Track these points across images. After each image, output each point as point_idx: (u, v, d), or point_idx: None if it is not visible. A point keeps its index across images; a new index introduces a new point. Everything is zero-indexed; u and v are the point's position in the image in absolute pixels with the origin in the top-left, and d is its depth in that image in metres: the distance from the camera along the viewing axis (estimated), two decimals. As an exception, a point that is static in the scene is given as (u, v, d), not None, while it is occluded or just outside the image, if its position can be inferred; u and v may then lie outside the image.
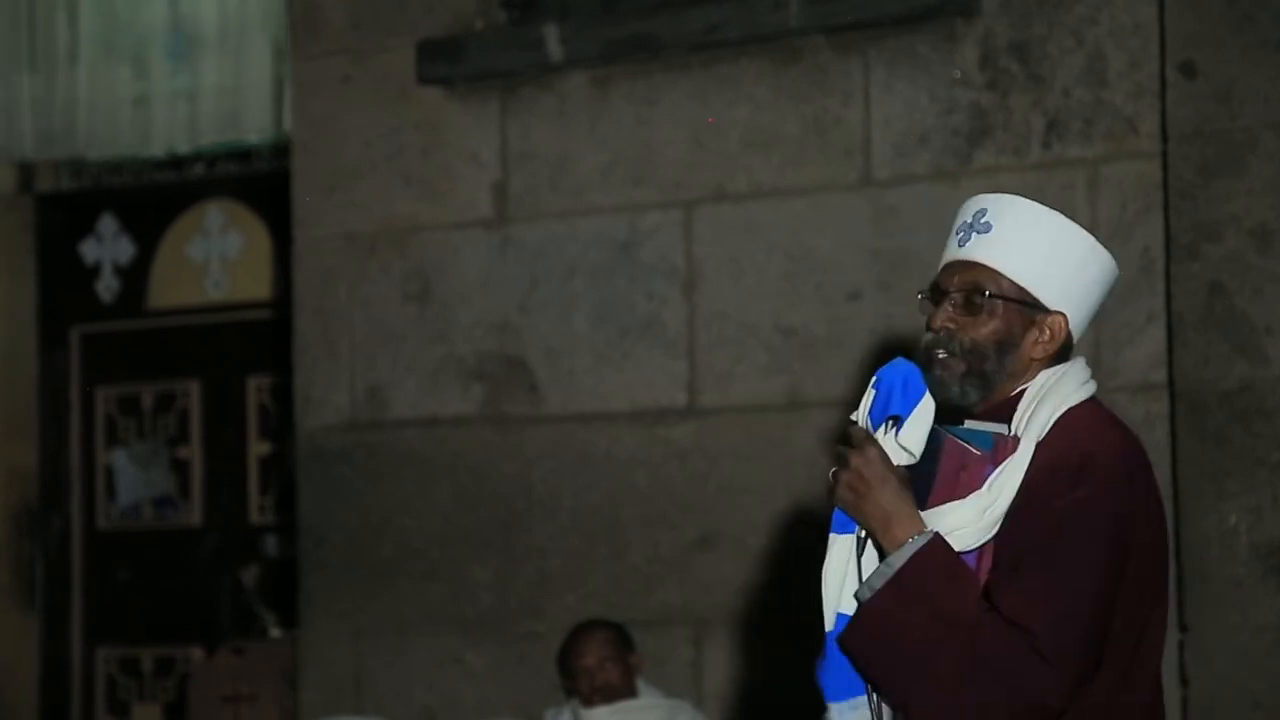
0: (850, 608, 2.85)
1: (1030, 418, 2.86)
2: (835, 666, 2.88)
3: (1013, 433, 2.86)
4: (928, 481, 2.88)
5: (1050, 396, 2.87)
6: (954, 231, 2.97)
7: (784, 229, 5.27)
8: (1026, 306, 2.90)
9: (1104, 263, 2.96)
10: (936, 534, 2.80)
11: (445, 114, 5.68)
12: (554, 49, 5.50)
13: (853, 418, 2.95)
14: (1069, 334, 2.92)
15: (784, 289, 5.27)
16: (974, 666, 2.73)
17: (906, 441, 2.87)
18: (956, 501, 2.84)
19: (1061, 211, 2.96)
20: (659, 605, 5.37)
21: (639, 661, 5.00)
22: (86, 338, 7.46)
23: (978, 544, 2.82)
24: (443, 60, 5.65)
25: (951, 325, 2.90)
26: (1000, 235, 2.91)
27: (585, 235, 5.50)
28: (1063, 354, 2.93)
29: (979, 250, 2.92)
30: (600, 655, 4.92)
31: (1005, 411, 2.89)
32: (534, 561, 5.52)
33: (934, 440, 2.90)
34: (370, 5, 5.79)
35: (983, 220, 2.93)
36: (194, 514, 7.29)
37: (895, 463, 2.86)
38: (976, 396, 2.90)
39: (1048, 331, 2.91)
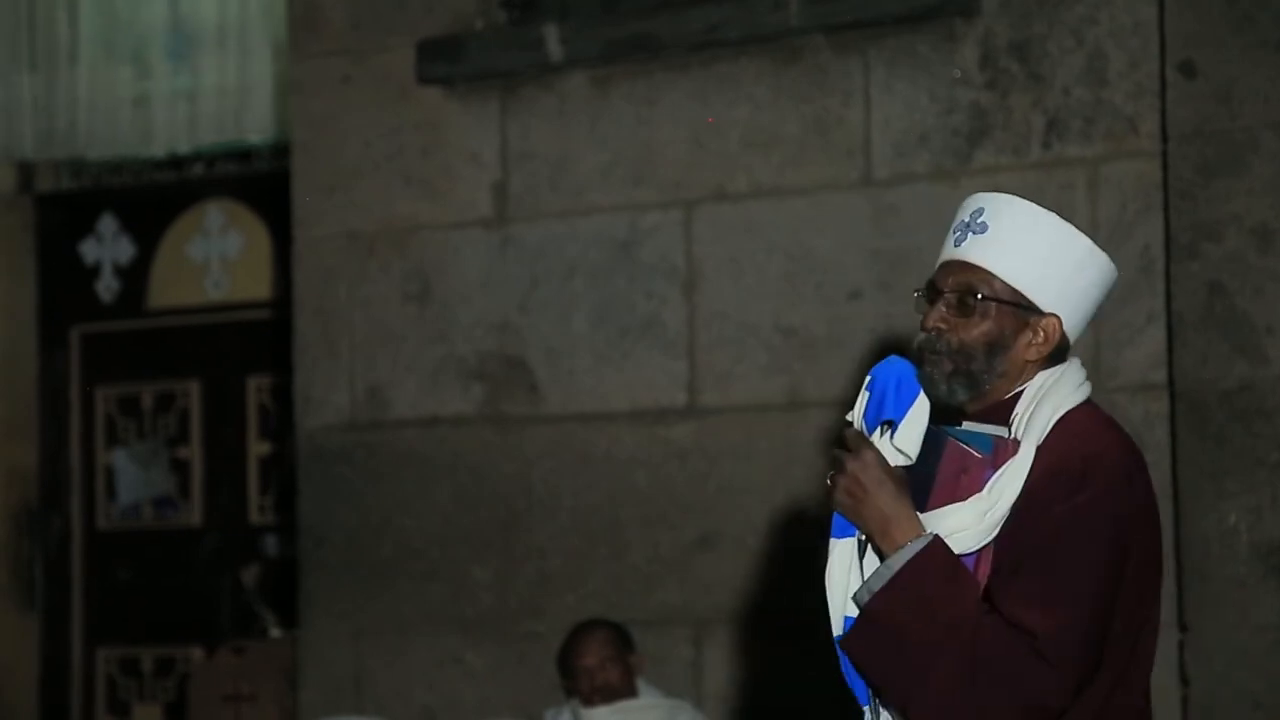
0: (855, 612, 2.85)
1: (1029, 420, 2.86)
2: (852, 673, 2.88)
3: (1012, 435, 2.86)
4: (927, 484, 2.88)
5: (1048, 399, 2.87)
6: (951, 230, 2.97)
7: (784, 229, 5.27)
8: (1020, 309, 2.89)
9: (1101, 265, 2.95)
10: (936, 536, 2.80)
11: (445, 114, 5.68)
12: (554, 49, 5.50)
13: (848, 419, 2.95)
14: (1064, 336, 2.92)
15: (784, 289, 5.26)
16: (974, 668, 2.73)
17: (902, 443, 2.87)
18: (957, 504, 2.83)
19: (1061, 211, 2.96)
20: (659, 605, 5.37)
21: (639, 661, 5.00)
22: (86, 338, 7.46)
23: (978, 547, 2.82)
24: (443, 60, 5.65)
25: (943, 325, 2.90)
26: (996, 236, 2.91)
27: (585, 235, 5.50)
28: (1058, 356, 2.92)
29: (974, 251, 2.91)
30: (600, 655, 4.92)
31: (1002, 413, 2.89)
32: (534, 561, 5.52)
33: (935, 442, 2.90)
34: (370, 5, 5.78)
35: (979, 220, 2.93)
36: (194, 514, 7.29)
37: (892, 464, 2.86)
38: (965, 396, 2.90)
39: (1041, 334, 2.90)
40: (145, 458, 7.32)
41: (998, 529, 2.81)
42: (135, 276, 7.40)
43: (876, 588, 2.81)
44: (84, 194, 7.40)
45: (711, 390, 5.35)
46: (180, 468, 7.31)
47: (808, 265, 5.24)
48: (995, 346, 2.89)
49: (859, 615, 2.83)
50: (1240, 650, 4.61)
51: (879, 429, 2.89)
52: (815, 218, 5.24)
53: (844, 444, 2.87)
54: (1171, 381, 4.76)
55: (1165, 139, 4.78)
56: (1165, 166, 4.78)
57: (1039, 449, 2.82)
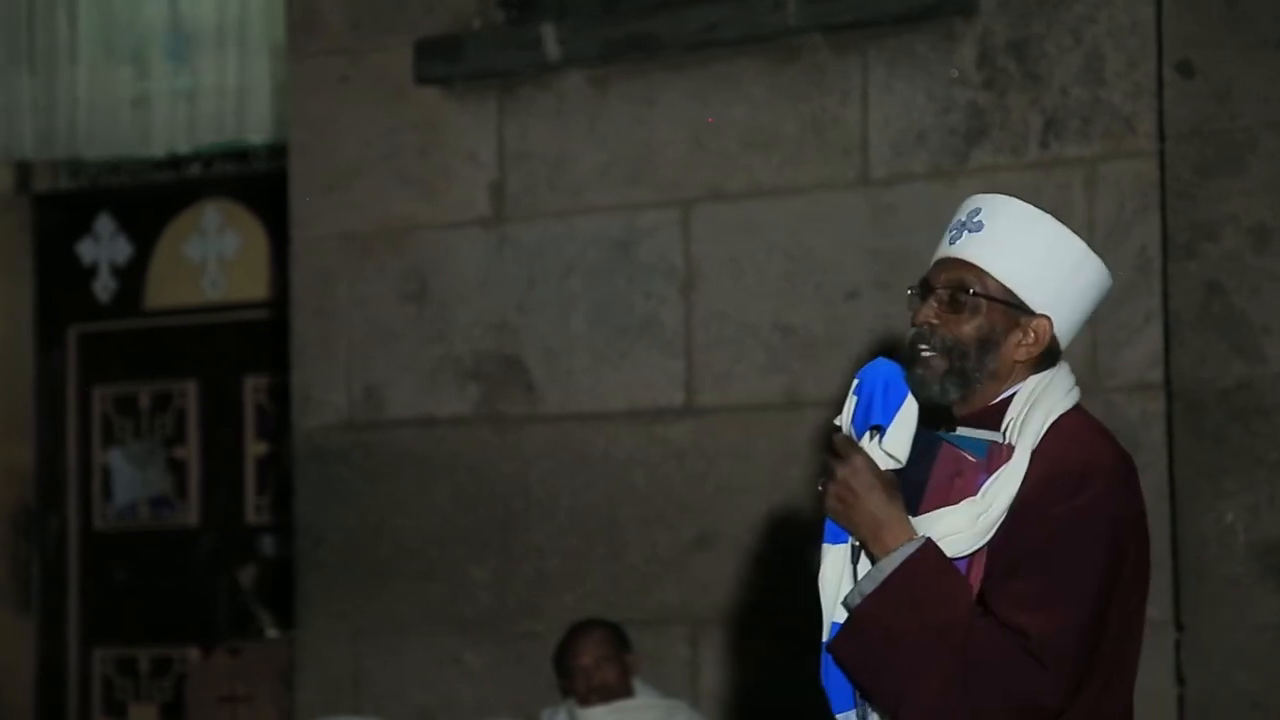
0: (844, 617, 2.84)
1: (1023, 425, 2.85)
2: (832, 677, 2.87)
3: (1005, 440, 2.85)
4: (920, 487, 2.87)
5: (1040, 403, 2.86)
6: (947, 230, 2.97)
7: (782, 228, 5.27)
8: (1011, 307, 2.89)
9: (1095, 269, 2.94)
10: (928, 539, 2.80)
11: (443, 114, 5.68)
12: (552, 49, 5.50)
13: (836, 423, 2.94)
14: (1054, 338, 2.91)
15: (782, 288, 5.26)
16: (966, 671, 2.73)
17: (891, 447, 2.86)
18: (949, 507, 2.83)
19: (1059, 210, 2.97)
20: (656, 605, 5.37)
21: (636, 661, 5.00)
22: (83, 337, 7.46)
23: (970, 550, 2.81)
24: (440, 60, 5.65)
25: (935, 321, 2.90)
26: (991, 235, 2.91)
27: (583, 235, 5.50)
28: (1048, 358, 2.92)
29: (969, 249, 2.91)
30: (597, 655, 4.92)
31: (992, 418, 2.88)
32: (532, 561, 5.52)
33: (929, 446, 2.89)
34: (368, 5, 5.78)
35: (976, 219, 2.93)
36: (191, 514, 7.29)
37: (882, 469, 2.85)
38: (956, 395, 2.89)
39: (1032, 334, 2.89)
40: (142, 458, 7.32)
41: (991, 533, 2.80)
42: (132, 276, 7.40)
43: (868, 590, 2.80)
44: (81, 194, 7.40)
45: (709, 390, 5.34)
46: (177, 468, 7.31)
47: (806, 265, 5.24)
48: (987, 343, 2.89)
49: (849, 618, 2.82)
50: (1237, 650, 4.61)
51: (868, 433, 2.89)
52: (813, 217, 5.24)
53: (833, 450, 2.87)
54: (1169, 381, 4.76)
55: (1163, 138, 4.78)
56: (1163, 166, 4.78)
57: (1034, 454, 2.82)
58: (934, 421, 2.91)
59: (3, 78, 7.23)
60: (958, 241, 2.93)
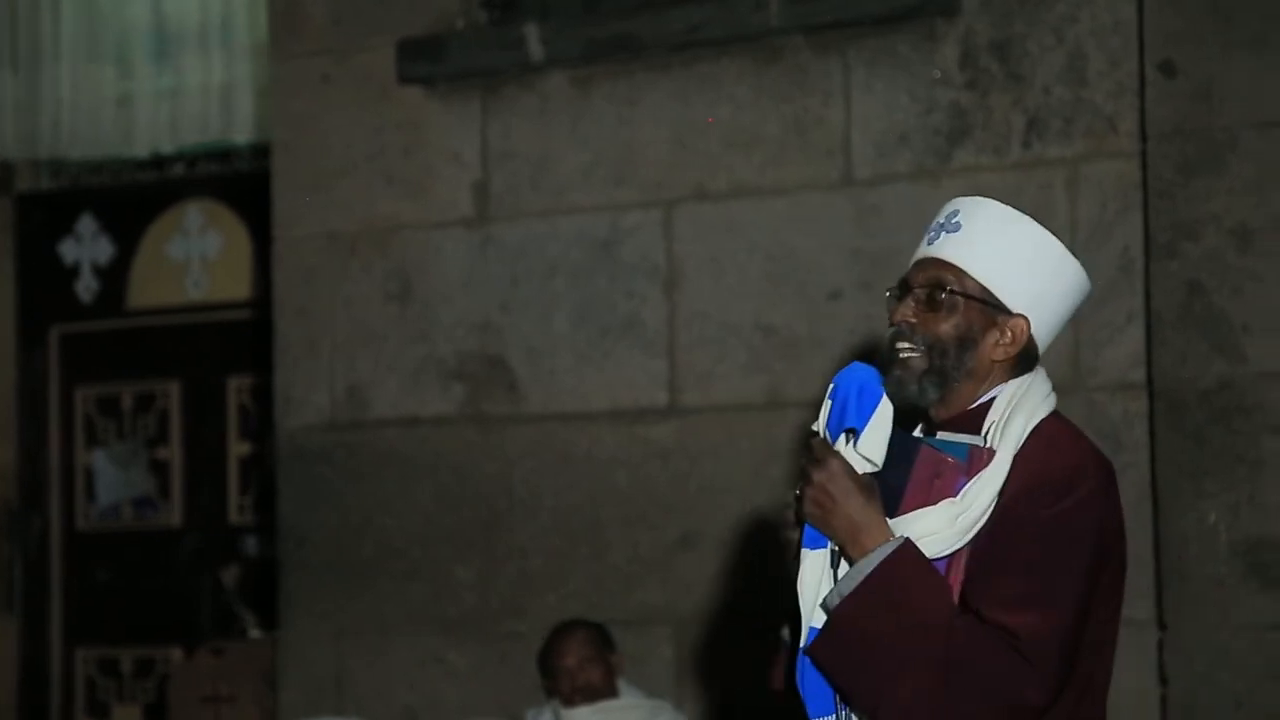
0: (822, 621, 2.83)
1: (1004, 428, 2.85)
2: (810, 682, 2.86)
3: (987, 444, 2.85)
4: (899, 491, 2.86)
5: (1020, 408, 2.86)
6: (927, 231, 2.98)
7: (765, 228, 5.27)
8: (989, 306, 2.89)
9: (1073, 272, 2.95)
10: (906, 540, 2.79)
11: (426, 113, 5.67)
12: (535, 49, 5.50)
13: (813, 428, 2.93)
14: (1031, 341, 2.91)
15: (765, 288, 5.27)
16: (947, 670, 2.72)
17: (866, 450, 2.85)
18: (927, 508, 2.82)
19: (1041, 210, 2.98)
20: (640, 605, 5.37)
21: (619, 661, 5.00)
22: (66, 338, 7.45)
23: (948, 551, 2.81)
24: (424, 60, 5.65)
25: (913, 319, 2.90)
26: (969, 235, 2.91)
27: (566, 235, 5.50)
28: (1025, 361, 2.92)
29: (947, 249, 2.92)
30: (581, 655, 4.92)
31: (972, 422, 2.88)
32: (515, 561, 5.52)
33: (908, 449, 2.89)
34: (351, 4, 5.78)
35: (954, 220, 2.94)
36: (174, 514, 7.28)
37: (859, 472, 2.84)
38: (935, 395, 2.89)
39: (1009, 334, 2.90)
40: (125, 458, 7.31)
41: (969, 535, 2.80)
42: (114, 276, 7.39)
43: (846, 592, 2.79)
44: (63, 194, 7.38)
45: (692, 390, 5.35)
46: (160, 468, 7.30)
47: (788, 265, 5.24)
48: (965, 341, 2.89)
49: (827, 620, 2.81)
50: (1220, 649, 4.61)
51: (843, 436, 2.88)
52: (796, 217, 5.24)
53: (810, 454, 2.86)
54: (1150, 380, 4.77)
55: (1145, 138, 4.79)
56: (1145, 166, 4.79)
57: (1016, 458, 2.82)
58: (910, 424, 2.91)
59: (-14, 78, 7.23)
60: (936, 242, 2.94)
